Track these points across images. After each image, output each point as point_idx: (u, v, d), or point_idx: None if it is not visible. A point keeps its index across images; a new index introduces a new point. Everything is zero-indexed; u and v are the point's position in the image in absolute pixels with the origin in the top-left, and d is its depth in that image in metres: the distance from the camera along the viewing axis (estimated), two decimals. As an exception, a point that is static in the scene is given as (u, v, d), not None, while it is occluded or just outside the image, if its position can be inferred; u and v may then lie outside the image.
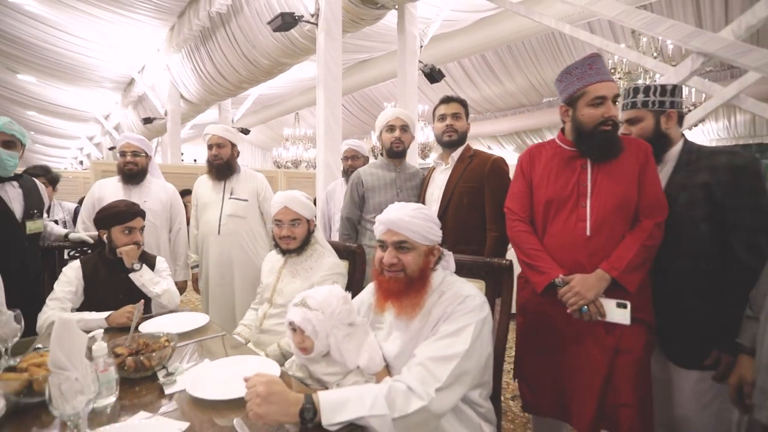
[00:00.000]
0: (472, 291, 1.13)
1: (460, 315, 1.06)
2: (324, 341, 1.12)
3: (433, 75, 4.57)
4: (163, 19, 5.74)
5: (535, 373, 1.48)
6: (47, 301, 1.56)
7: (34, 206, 1.83)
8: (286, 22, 3.30)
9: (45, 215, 1.97)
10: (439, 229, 1.19)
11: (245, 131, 9.27)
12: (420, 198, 2.05)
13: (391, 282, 1.14)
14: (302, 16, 3.38)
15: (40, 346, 1.27)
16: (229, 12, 5.05)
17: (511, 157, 14.99)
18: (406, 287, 1.13)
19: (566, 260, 1.36)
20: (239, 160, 2.57)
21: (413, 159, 4.43)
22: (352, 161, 2.79)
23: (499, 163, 1.84)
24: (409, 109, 4.37)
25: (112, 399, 0.98)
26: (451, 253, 1.26)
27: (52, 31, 6.08)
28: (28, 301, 1.37)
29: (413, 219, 1.13)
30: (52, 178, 3.07)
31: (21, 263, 1.58)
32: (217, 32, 5.47)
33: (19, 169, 1.96)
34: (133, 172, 2.34)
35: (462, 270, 1.49)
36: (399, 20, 4.31)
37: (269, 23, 3.54)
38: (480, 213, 1.82)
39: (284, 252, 1.75)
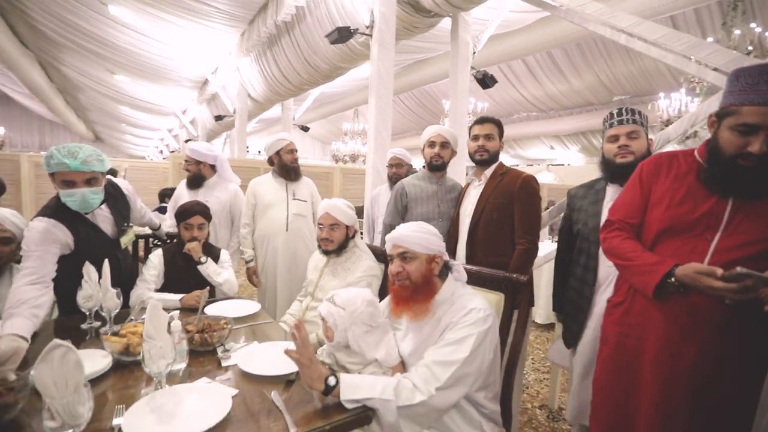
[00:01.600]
0: (478, 304, 1.26)
1: (463, 326, 1.21)
2: (342, 334, 1.33)
3: (485, 81, 4.60)
4: (235, 26, 6.27)
5: (609, 413, 1.33)
6: (137, 282, 1.91)
7: (124, 219, 1.88)
8: (342, 35, 3.54)
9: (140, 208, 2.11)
10: (438, 239, 1.36)
11: (305, 128, 9.80)
12: (456, 211, 2.18)
13: (400, 289, 1.33)
14: (357, 29, 3.59)
15: (132, 318, 1.60)
16: (293, 20, 5.42)
17: (575, 158, 14.33)
18: (413, 293, 1.31)
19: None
20: (300, 153, 2.84)
21: (455, 167, 4.48)
22: (397, 169, 2.95)
23: (529, 181, 1.92)
24: (459, 116, 4.45)
25: (183, 365, 1.26)
26: (460, 264, 1.41)
27: (141, 38, 6.87)
28: (122, 285, 1.68)
29: (412, 233, 1.33)
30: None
31: (116, 271, 1.67)
32: (282, 38, 5.88)
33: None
34: (189, 177, 2.71)
35: (485, 282, 1.62)
36: (453, 27, 4.38)
37: (327, 36, 3.80)
38: (509, 227, 1.92)
39: (325, 252, 1.98)
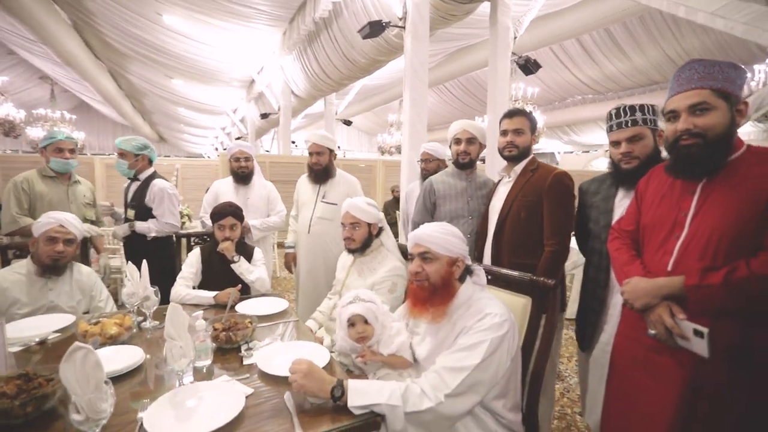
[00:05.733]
0: (494, 309, 1.21)
1: (477, 331, 1.17)
2: (380, 326, 1.38)
3: (528, 67, 4.37)
4: (277, 26, 6.44)
5: (608, 411, 1.36)
6: (178, 278, 2.05)
7: (134, 201, 2.54)
8: (374, 30, 3.51)
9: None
10: (462, 243, 1.32)
11: (347, 122, 9.91)
12: (485, 209, 2.09)
13: (418, 290, 1.31)
14: (389, 22, 3.54)
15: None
16: (330, 16, 5.47)
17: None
18: (430, 294, 1.28)
19: None
20: (345, 146, 2.90)
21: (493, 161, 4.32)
22: (425, 164, 2.88)
23: (561, 178, 1.79)
24: (498, 106, 4.27)
25: (208, 362, 1.33)
26: (481, 267, 1.36)
27: (193, 43, 7.27)
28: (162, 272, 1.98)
29: (434, 233, 1.30)
30: None
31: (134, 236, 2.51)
32: (321, 35, 5.96)
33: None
34: (245, 174, 2.79)
35: (511, 285, 1.56)
36: (491, 12, 4.20)
37: (359, 32, 3.78)
38: (538, 228, 1.81)
39: (350, 251, 2.00)
